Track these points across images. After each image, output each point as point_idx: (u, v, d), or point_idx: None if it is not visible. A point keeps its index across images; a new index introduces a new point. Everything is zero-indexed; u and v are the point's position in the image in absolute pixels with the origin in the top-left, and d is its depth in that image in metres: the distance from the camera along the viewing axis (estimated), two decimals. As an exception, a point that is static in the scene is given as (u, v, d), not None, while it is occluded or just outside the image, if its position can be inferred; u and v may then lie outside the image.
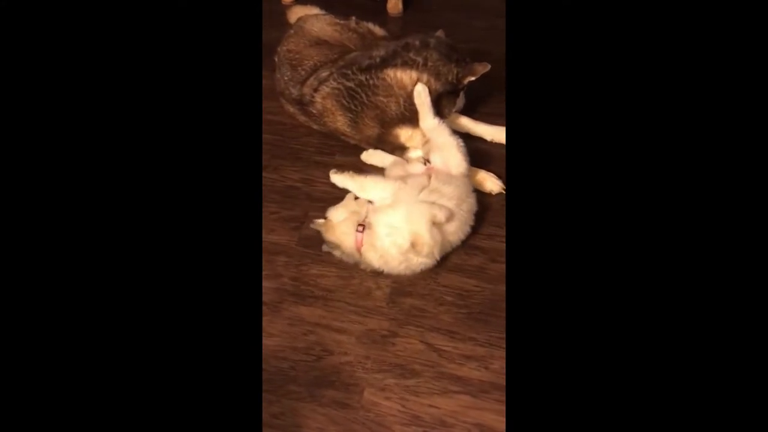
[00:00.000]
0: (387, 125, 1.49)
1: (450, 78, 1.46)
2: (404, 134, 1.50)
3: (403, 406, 1.07)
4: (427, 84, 1.44)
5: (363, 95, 1.47)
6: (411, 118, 1.48)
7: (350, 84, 1.47)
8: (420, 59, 1.44)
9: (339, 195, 1.43)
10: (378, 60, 1.46)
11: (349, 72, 1.48)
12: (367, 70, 1.47)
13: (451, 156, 1.39)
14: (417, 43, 1.46)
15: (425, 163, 1.41)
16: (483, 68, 1.49)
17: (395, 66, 1.45)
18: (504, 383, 1.09)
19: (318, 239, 1.33)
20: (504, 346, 1.15)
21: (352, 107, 1.49)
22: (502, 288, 1.25)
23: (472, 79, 1.50)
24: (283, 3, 2.19)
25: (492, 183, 1.46)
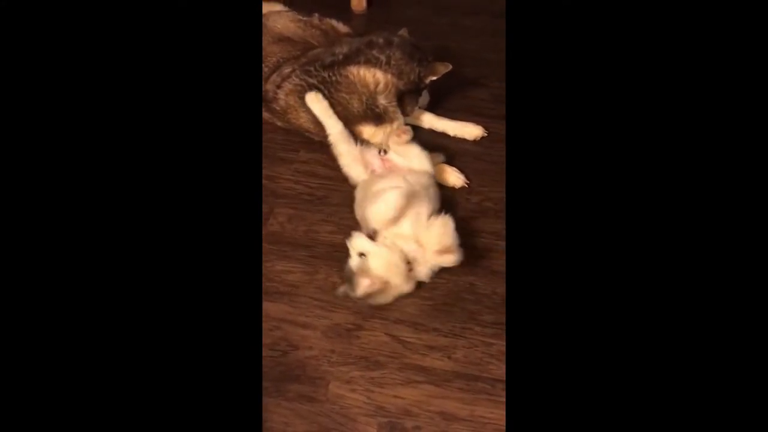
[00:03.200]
0: (350, 122, 1.50)
1: (412, 77, 1.48)
2: (367, 131, 1.51)
3: (368, 398, 1.08)
4: (389, 82, 1.46)
5: (326, 92, 1.47)
6: (374, 116, 1.49)
7: (313, 81, 1.48)
8: (383, 57, 1.46)
9: (303, 191, 1.44)
10: (341, 57, 1.47)
11: (312, 69, 1.48)
12: (329, 67, 1.47)
13: (412, 153, 1.41)
14: (381, 41, 1.47)
15: (380, 153, 1.42)
16: (444, 68, 1.51)
17: (358, 63, 1.46)
18: (467, 372, 1.11)
19: (282, 235, 1.33)
20: (467, 336, 1.17)
21: None
22: (466, 279, 1.27)
23: (434, 78, 1.52)
24: None
25: (455, 177, 1.48)
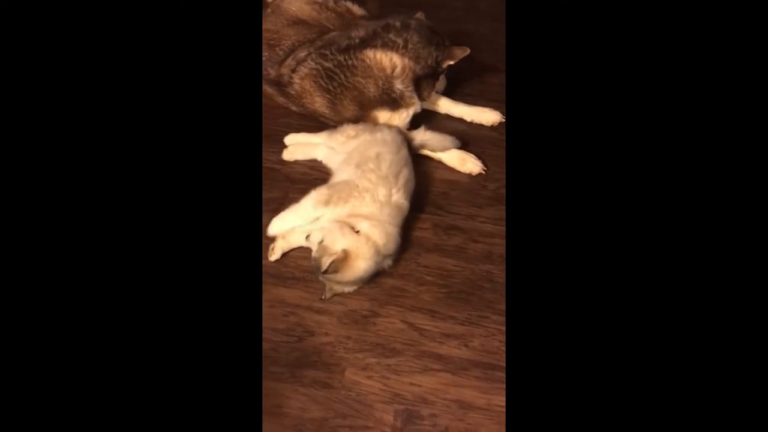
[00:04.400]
0: (365, 107, 1.48)
1: (429, 61, 1.46)
2: (383, 116, 1.49)
3: (385, 385, 1.08)
4: (407, 67, 1.44)
5: (341, 76, 1.45)
6: (390, 100, 1.47)
7: (329, 64, 1.46)
8: (400, 41, 1.43)
9: (318, 176, 1.42)
10: (357, 41, 1.45)
11: (328, 52, 1.46)
12: (346, 50, 1.45)
13: None
14: (398, 24, 1.45)
15: None
16: (462, 52, 1.48)
17: (375, 47, 1.44)
18: (484, 360, 1.11)
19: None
20: (485, 324, 1.16)
21: (331, 88, 1.48)
22: (482, 267, 1.26)
23: (452, 63, 1.50)
24: (259, -18, 2.15)
25: (472, 164, 1.46)
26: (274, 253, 1.26)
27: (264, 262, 1.27)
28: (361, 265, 1.17)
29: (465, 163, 1.46)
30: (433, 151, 1.49)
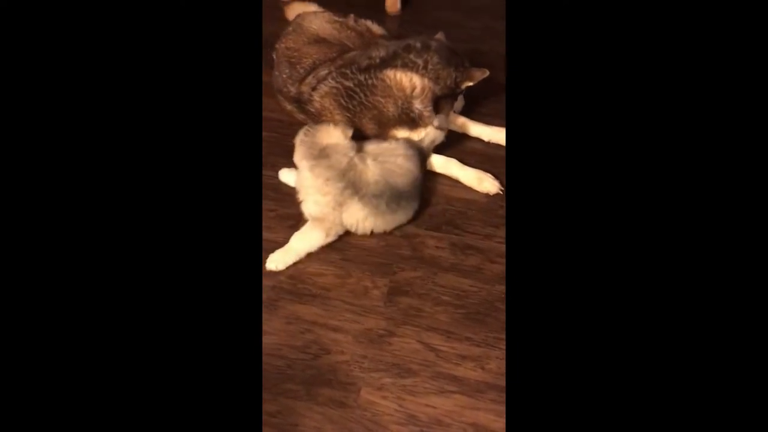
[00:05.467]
0: (384, 126, 1.49)
1: (449, 82, 1.47)
2: (401, 135, 1.50)
3: (400, 406, 1.07)
4: (426, 87, 1.45)
5: (361, 95, 1.47)
6: (408, 120, 1.48)
7: (349, 83, 1.47)
8: (420, 62, 1.45)
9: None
10: (378, 60, 1.46)
11: (348, 71, 1.48)
12: (366, 70, 1.47)
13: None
14: (418, 45, 1.46)
15: None
16: (482, 74, 1.50)
17: (395, 67, 1.45)
18: (501, 383, 1.10)
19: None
20: (501, 346, 1.16)
21: (350, 107, 1.49)
22: (499, 288, 1.26)
23: (471, 84, 1.51)
24: (280, -1, 2.18)
25: (490, 183, 1.47)
26: None
27: (281, 277, 1.27)
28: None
29: (482, 182, 1.47)
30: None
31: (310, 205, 1.32)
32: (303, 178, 1.34)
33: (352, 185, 1.29)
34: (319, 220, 1.31)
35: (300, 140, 1.38)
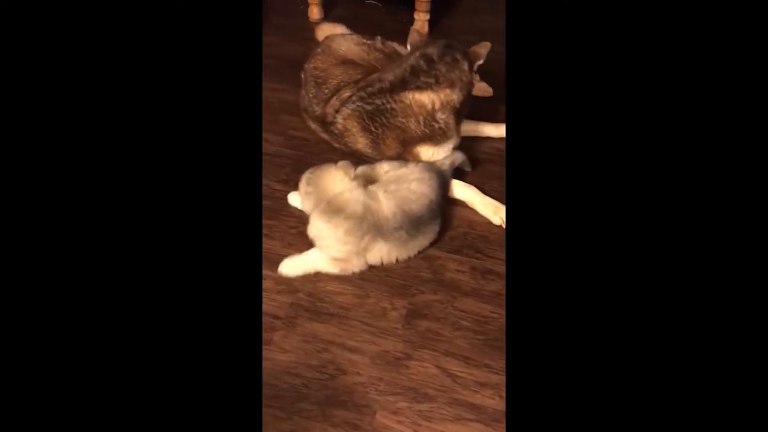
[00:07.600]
0: (408, 144, 1.50)
1: (463, 78, 1.47)
2: (425, 153, 1.51)
3: (415, 431, 1.05)
4: (446, 97, 1.45)
5: (383, 118, 1.48)
6: (432, 136, 1.48)
7: (369, 108, 1.49)
8: (431, 80, 1.45)
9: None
10: (387, 84, 1.47)
11: (365, 95, 1.49)
12: (380, 94, 1.48)
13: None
14: (422, 64, 1.45)
15: None
16: (485, 48, 1.51)
17: (411, 90, 1.46)
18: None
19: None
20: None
21: (373, 129, 1.51)
22: (519, 315, 1.24)
23: (481, 62, 1.52)
24: (310, 20, 2.23)
25: (505, 215, 1.45)
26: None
27: (300, 294, 1.27)
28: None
29: (497, 213, 1.46)
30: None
31: (332, 252, 1.29)
32: (319, 229, 1.28)
33: (373, 228, 1.26)
34: (342, 260, 1.29)
35: (305, 192, 1.33)
